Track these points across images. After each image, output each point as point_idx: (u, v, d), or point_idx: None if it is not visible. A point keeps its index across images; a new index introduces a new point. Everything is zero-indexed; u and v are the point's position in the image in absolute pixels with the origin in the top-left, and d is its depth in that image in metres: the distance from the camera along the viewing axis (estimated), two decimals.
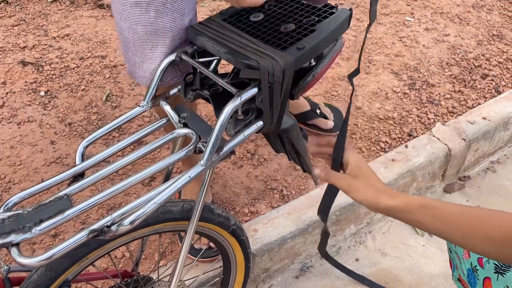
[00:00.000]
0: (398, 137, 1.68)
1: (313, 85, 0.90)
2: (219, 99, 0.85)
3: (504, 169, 1.84)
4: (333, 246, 1.52)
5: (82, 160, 0.83)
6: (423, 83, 1.93)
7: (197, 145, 0.80)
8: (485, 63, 2.06)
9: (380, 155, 1.61)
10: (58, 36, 2.07)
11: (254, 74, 0.74)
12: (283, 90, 0.76)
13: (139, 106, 0.90)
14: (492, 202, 1.70)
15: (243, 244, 1.06)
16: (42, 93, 1.76)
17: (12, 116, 1.66)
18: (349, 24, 0.85)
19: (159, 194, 0.70)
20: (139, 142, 1.37)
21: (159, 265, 1.21)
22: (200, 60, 0.88)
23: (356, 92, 1.87)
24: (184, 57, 0.88)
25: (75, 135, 1.61)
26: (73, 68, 1.89)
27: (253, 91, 0.75)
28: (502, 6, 2.47)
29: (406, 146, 1.62)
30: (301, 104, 1.60)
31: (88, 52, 1.98)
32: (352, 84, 0.93)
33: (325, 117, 1.62)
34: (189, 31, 0.88)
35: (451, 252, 1.00)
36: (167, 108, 0.89)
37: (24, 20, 2.18)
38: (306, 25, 0.82)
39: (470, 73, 2.01)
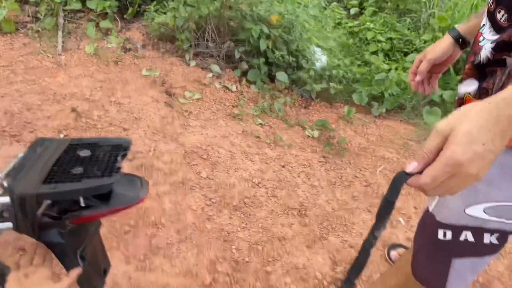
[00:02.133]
0: None
1: (89, 220, 1.02)
2: None
3: None
4: None
5: None
6: None
7: None
8: None
9: None
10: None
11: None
12: (27, 211, 0.93)
13: None
14: None
15: None
16: None
17: None
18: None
19: None
20: None
21: None
22: None
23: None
24: None
25: None
26: None
27: (6, 199, 0.93)
28: None
29: None
30: None
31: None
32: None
33: None
34: (38, 140, 1.05)
35: None
36: None
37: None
38: (85, 175, 0.96)
39: None
